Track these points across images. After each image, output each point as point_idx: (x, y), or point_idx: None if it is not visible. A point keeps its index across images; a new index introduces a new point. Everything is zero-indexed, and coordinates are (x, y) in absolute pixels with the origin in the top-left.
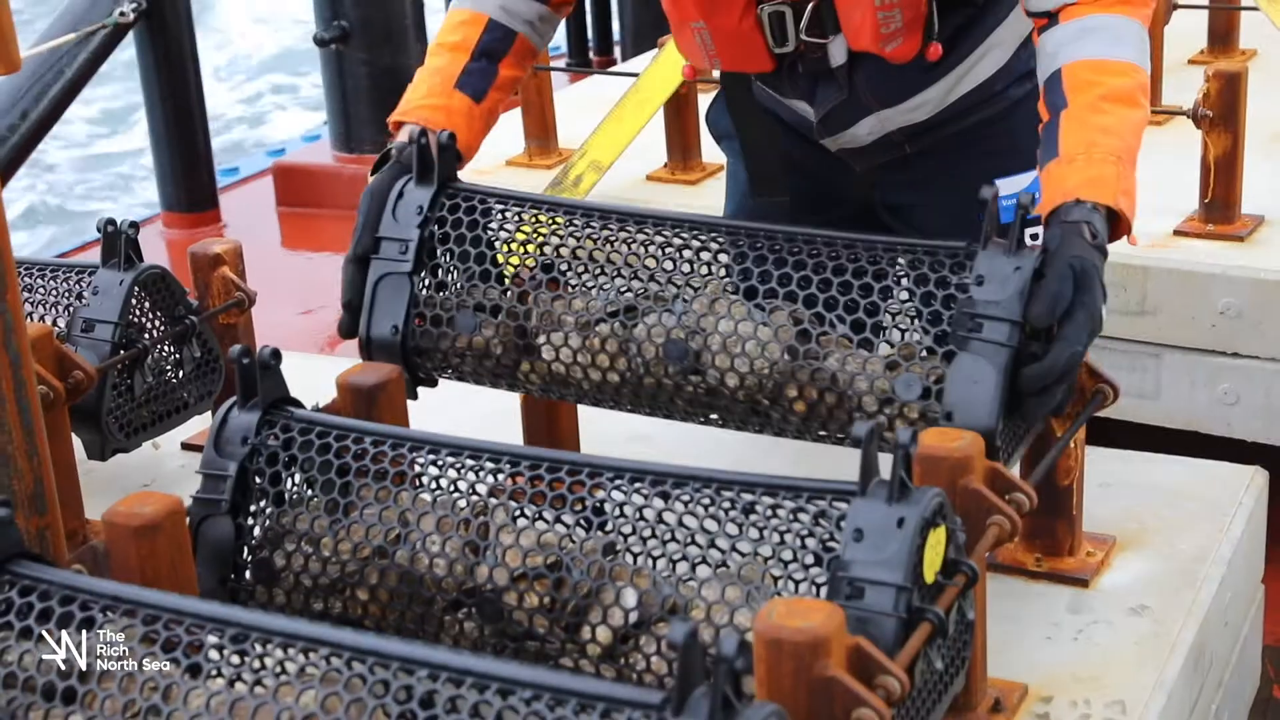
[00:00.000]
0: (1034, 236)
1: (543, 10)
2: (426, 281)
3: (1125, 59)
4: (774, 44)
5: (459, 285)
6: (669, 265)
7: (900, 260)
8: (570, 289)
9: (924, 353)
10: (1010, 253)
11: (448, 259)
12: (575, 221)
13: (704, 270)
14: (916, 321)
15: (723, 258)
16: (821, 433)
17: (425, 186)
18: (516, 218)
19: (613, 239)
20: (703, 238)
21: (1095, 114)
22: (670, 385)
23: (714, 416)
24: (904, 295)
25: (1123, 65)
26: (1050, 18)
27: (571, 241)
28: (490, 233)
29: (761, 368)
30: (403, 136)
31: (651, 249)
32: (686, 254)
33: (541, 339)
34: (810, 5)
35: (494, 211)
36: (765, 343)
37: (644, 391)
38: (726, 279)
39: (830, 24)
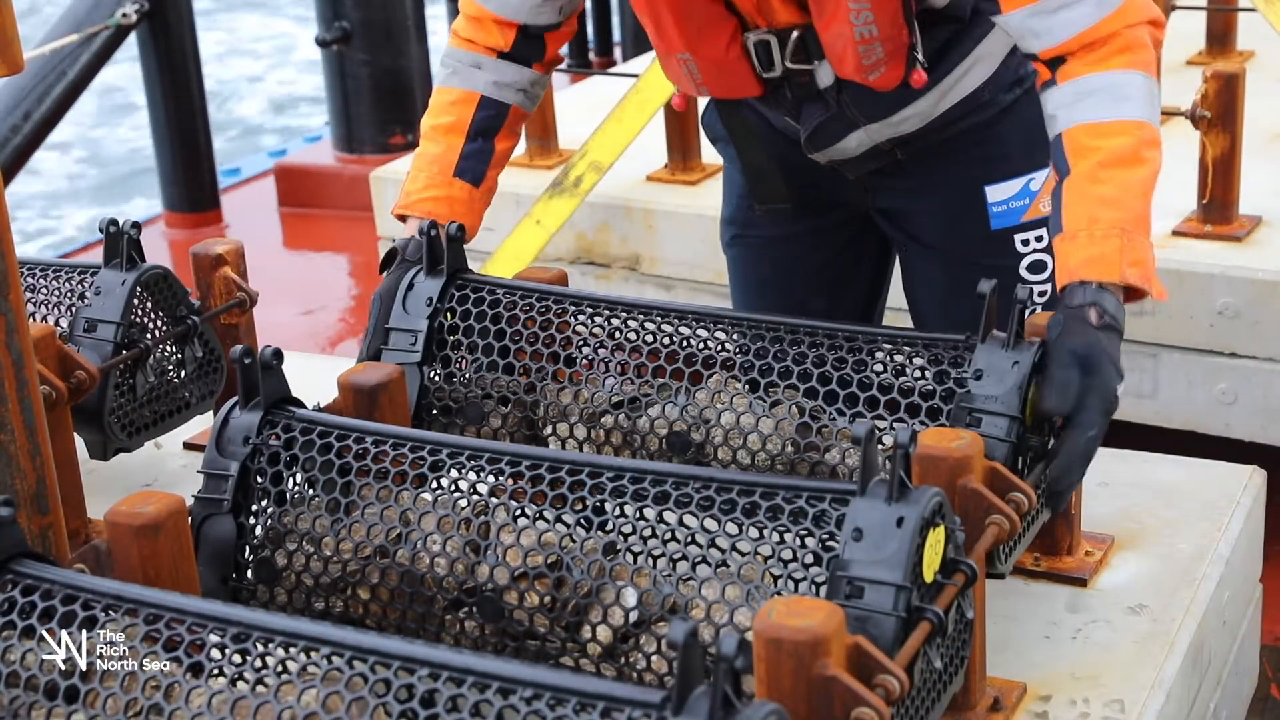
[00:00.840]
0: (1038, 239)
1: (534, 75)
2: (436, 372)
3: (1126, 118)
4: (761, 70)
5: (467, 375)
6: (674, 356)
7: (900, 352)
8: (577, 379)
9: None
10: (1009, 347)
11: (456, 350)
12: (582, 312)
13: (708, 362)
14: (917, 415)
15: (728, 349)
16: None
17: (435, 278)
18: (526, 308)
19: (619, 330)
20: (708, 329)
21: (1094, 184)
22: None
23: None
24: (904, 386)
25: (1123, 125)
26: (1049, 69)
27: (578, 332)
28: (498, 323)
29: (764, 461)
30: (410, 231)
31: (657, 340)
32: (692, 345)
33: (548, 430)
34: (794, 35)
35: (502, 302)
36: (767, 435)
37: None
38: (730, 372)
39: (815, 50)
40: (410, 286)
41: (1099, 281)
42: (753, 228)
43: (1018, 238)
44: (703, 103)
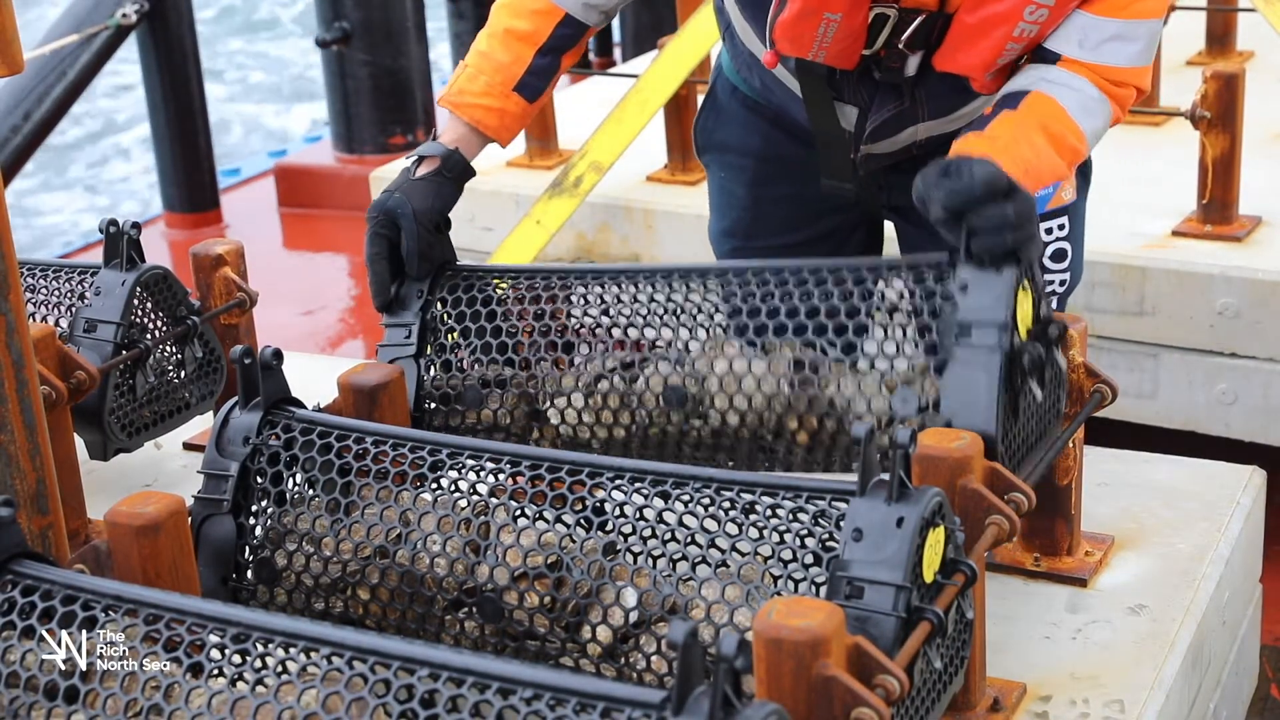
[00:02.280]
0: (1060, 227)
1: None
2: (433, 363)
3: (1083, 129)
4: (866, 44)
5: (463, 362)
6: (667, 318)
7: (884, 277)
8: (572, 351)
9: (918, 367)
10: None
11: (450, 338)
12: (571, 284)
13: (700, 318)
14: (907, 336)
15: (714, 303)
16: (830, 460)
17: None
18: (515, 289)
19: (608, 297)
20: (694, 285)
21: (1034, 132)
22: (675, 432)
23: (721, 457)
24: (893, 312)
25: (1078, 130)
26: (1048, 57)
27: (570, 304)
28: (488, 306)
29: (760, 404)
30: (448, 134)
31: (647, 303)
32: (682, 305)
33: (548, 405)
34: (921, 17)
35: (491, 285)
36: (761, 377)
37: (650, 441)
38: (721, 325)
39: (925, 39)
40: (401, 281)
41: None
42: (758, 238)
43: (1042, 226)
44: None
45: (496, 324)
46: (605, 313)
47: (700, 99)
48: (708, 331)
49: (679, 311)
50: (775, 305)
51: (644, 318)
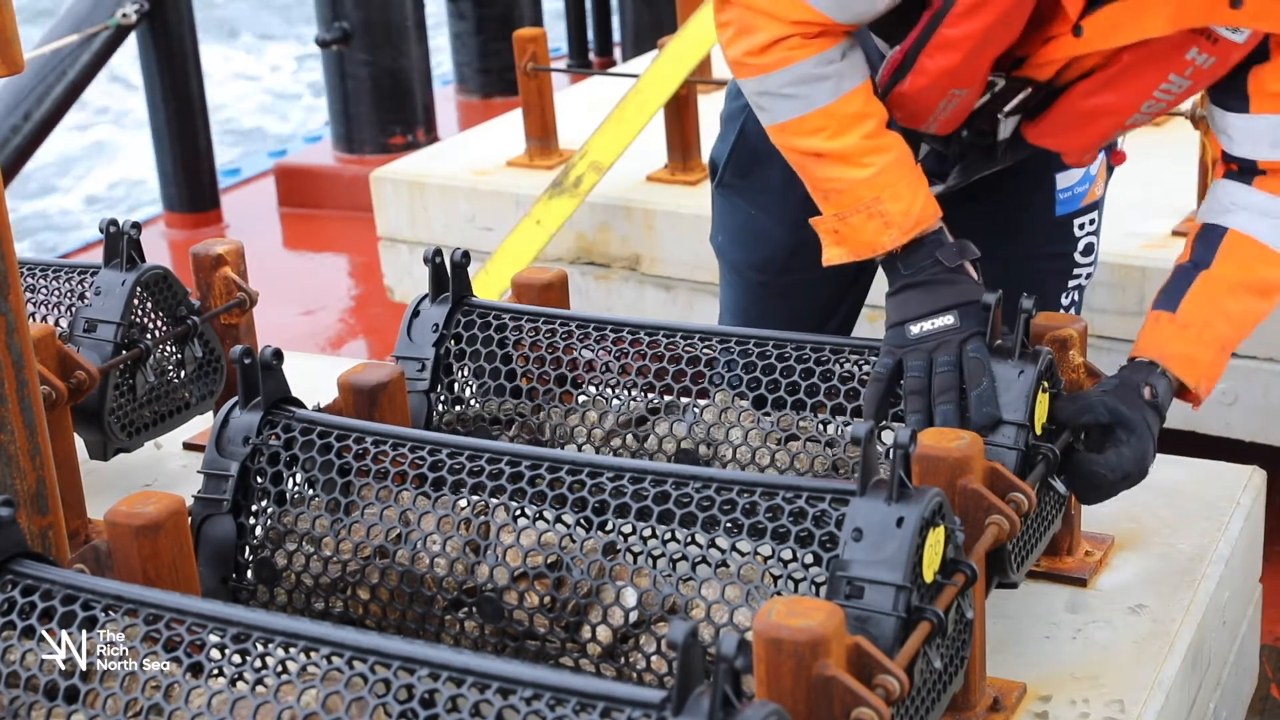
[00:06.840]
0: (1091, 222)
1: None
2: (444, 398)
3: None
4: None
5: (475, 401)
6: (680, 374)
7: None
8: (583, 402)
9: None
10: (1015, 359)
11: (463, 375)
12: (589, 334)
13: (714, 379)
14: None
15: (734, 365)
16: None
17: (441, 305)
18: (532, 331)
19: (624, 350)
20: (714, 346)
21: (1229, 296)
22: None
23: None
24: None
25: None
26: (1242, 169)
27: (584, 354)
28: (505, 348)
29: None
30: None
31: (663, 359)
32: (698, 363)
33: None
34: (1028, 90)
35: (508, 327)
36: (775, 452)
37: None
38: (736, 387)
39: (1027, 108)
40: (416, 314)
41: (1174, 374)
42: (793, 272)
43: (1076, 222)
44: (705, 102)
45: (511, 367)
46: (622, 365)
47: (700, 99)
48: (722, 395)
49: (698, 370)
50: (794, 380)
51: (660, 373)
